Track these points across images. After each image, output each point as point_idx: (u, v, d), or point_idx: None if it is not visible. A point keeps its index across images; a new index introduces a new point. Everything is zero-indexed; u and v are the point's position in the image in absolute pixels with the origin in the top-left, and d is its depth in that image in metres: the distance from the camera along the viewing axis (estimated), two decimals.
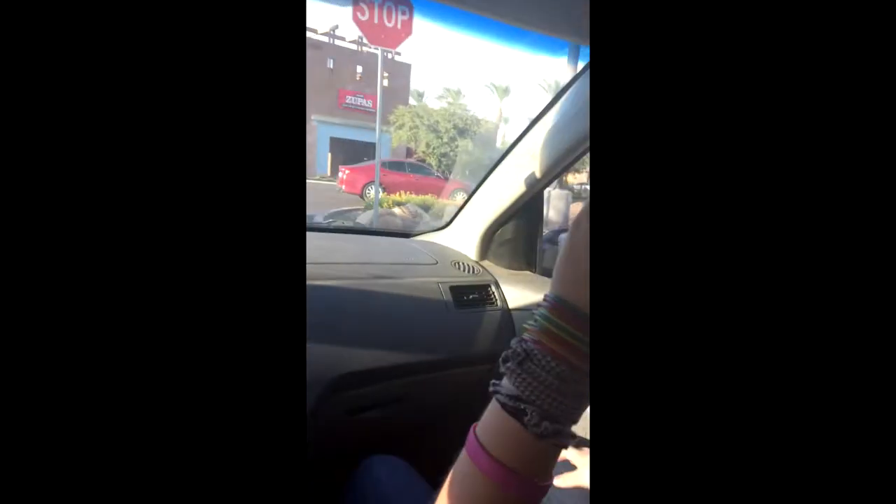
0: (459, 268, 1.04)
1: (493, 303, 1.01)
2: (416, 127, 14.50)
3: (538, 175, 0.92)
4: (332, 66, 16.13)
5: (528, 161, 0.92)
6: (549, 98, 0.86)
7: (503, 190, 1.00)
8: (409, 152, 15.28)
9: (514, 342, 0.29)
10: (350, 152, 15.11)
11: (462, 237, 1.13)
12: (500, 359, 0.29)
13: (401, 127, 14.60)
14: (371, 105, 16.16)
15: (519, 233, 1.08)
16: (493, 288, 1.03)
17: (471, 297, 0.99)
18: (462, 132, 14.55)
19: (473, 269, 1.06)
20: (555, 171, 0.91)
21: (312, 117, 14.98)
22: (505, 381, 0.28)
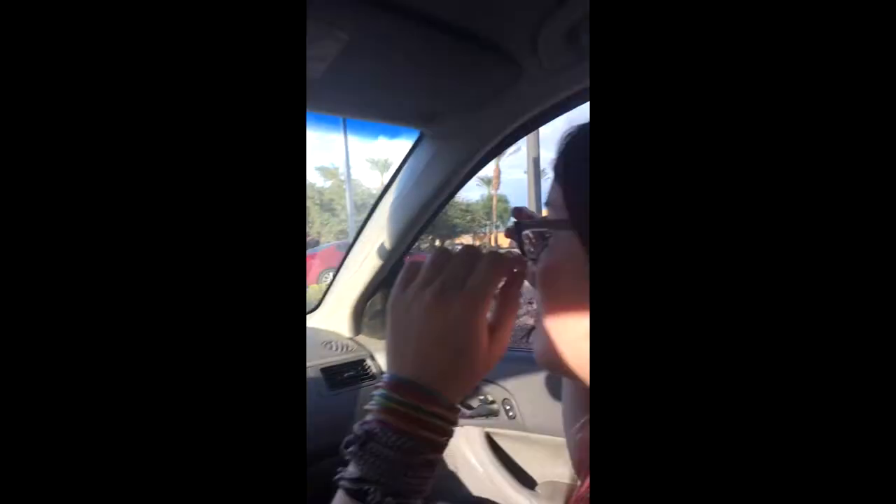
0: (332, 347, 1.03)
1: (371, 376, 1.01)
2: (307, 207, 14.37)
3: (389, 246, 0.97)
4: None
5: (377, 234, 0.97)
6: None
7: (363, 264, 1.03)
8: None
9: (355, 427, 0.29)
10: None
11: (333, 315, 1.13)
12: (342, 445, 0.29)
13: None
14: None
15: (387, 302, 1.11)
16: (369, 361, 1.03)
17: (346, 375, 0.98)
18: (359, 207, 14.72)
19: (347, 346, 1.05)
20: (405, 240, 0.97)
21: None
22: (350, 467, 0.29)
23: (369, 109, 0.73)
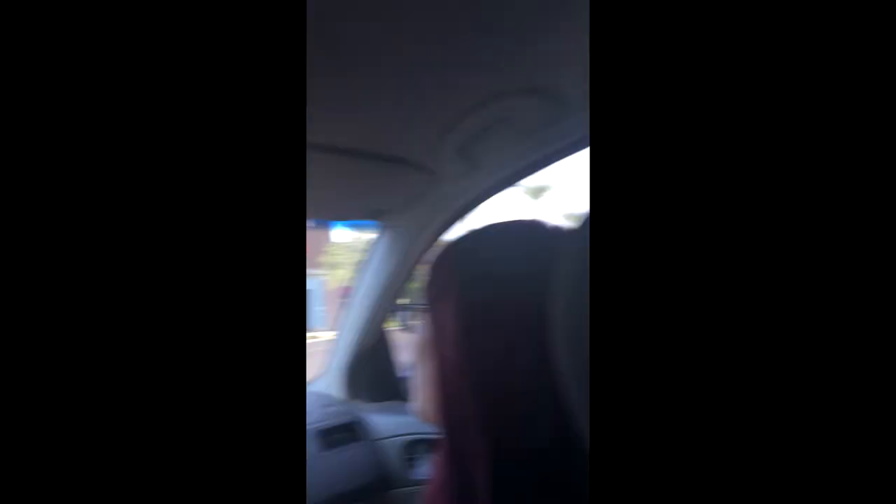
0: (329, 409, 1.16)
1: (359, 438, 1.12)
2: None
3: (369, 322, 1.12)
4: None
5: (360, 310, 1.13)
6: None
7: (350, 336, 1.18)
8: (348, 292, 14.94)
9: None
10: None
11: (324, 381, 1.27)
12: None
13: (337, 266, 13.12)
14: None
15: (377, 368, 1.24)
16: (359, 425, 1.15)
17: (335, 437, 1.10)
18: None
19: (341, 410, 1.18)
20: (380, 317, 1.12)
21: None
22: None
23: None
